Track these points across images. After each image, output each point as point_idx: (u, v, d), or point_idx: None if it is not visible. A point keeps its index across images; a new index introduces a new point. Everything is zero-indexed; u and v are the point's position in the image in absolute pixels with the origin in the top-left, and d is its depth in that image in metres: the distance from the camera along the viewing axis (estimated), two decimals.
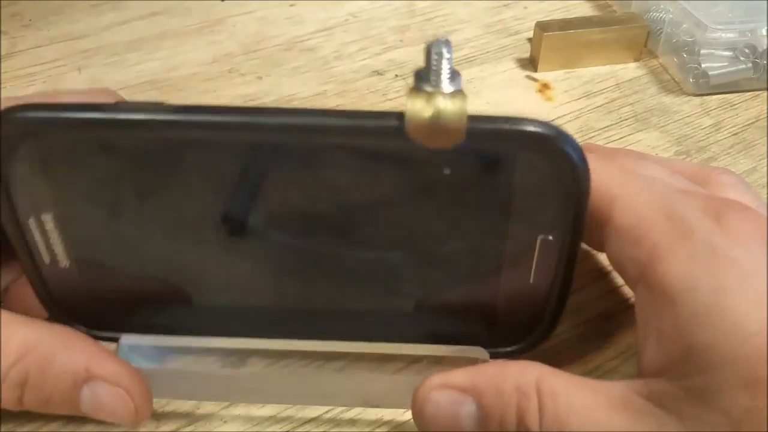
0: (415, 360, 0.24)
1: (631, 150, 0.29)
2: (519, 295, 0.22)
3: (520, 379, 0.19)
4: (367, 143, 0.20)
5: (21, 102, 0.20)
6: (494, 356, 0.24)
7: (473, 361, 0.23)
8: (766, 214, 0.21)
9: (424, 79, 0.18)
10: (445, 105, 0.18)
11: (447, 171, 0.20)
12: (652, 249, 0.19)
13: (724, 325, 0.17)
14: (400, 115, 0.18)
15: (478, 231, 0.17)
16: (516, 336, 0.23)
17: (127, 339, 0.23)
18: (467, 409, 0.20)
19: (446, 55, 0.18)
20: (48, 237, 0.21)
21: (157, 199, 0.21)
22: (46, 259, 0.22)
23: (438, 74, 0.18)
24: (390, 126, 0.18)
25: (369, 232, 0.22)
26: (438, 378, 0.20)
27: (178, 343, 0.23)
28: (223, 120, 0.19)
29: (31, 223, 0.21)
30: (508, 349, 0.24)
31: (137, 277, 0.23)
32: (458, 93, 0.18)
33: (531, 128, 0.19)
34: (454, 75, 0.18)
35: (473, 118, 0.18)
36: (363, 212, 0.22)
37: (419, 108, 0.18)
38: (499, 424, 0.19)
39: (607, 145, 0.35)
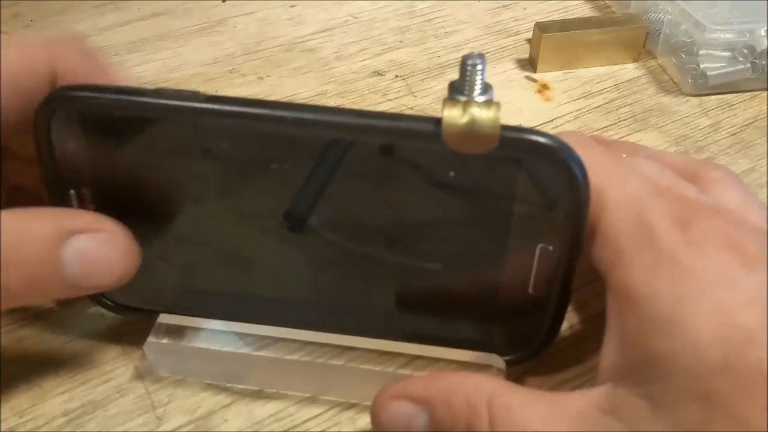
0: (414, 360, 0.24)
1: (625, 141, 0.29)
2: (518, 303, 0.22)
3: (471, 395, 0.20)
4: (404, 145, 0.20)
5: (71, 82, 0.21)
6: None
7: (486, 368, 0.23)
8: (750, 211, 0.21)
9: (458, 89, 0.19)
10: (480, 113, 0.19)
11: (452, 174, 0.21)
12: (617, 253, 0.19)
13: (680, 336, 0.17)
14: (437, 121, 0.19)
15: (481, 235, 0.18)
16: (517, 345, 0.24)
17: (165, 318, 0.24)
18: (420, 420, 0.20)
19: (479, 67, 0.19)
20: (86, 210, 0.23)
21: (194, 187, 0.23)
22: None
23: (472, 85, 0.19)
24: (427, 131, 0.19)
25: (385, 233, 0.23)
26: (394, 387, 0.21)
27: (211, 326, 0.24)
28: (258, 112, 0.20)
29: (72, 195, 0.22)
30: (509, 357, 0.24)
31: (168, 259, 0.24)
32: (491, 102, 0.19)
33: (535, 138, 0.19)
34: (487, 86, 0.19)
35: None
36: (377, 213, 0.23)
37: (455, 115, 0.19)
38: None
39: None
